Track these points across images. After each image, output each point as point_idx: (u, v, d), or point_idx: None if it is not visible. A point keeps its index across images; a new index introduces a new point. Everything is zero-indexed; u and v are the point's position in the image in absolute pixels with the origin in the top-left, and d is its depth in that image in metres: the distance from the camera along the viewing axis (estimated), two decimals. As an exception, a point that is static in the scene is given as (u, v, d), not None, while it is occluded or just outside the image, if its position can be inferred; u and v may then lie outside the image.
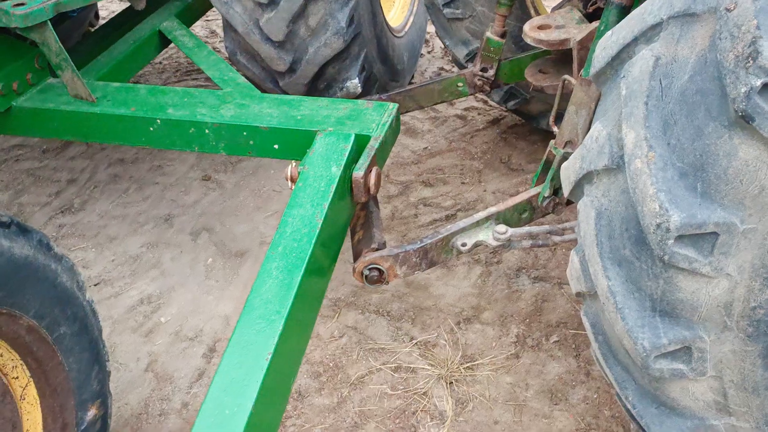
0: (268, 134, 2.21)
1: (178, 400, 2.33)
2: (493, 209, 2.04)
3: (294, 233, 1.71)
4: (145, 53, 3.03)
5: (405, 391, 2.31)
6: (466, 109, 3.91)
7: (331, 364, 2.43)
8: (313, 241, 1.69)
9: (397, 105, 2.25)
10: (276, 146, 2.22)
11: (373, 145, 2.03)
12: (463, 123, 3.80)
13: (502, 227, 1.98)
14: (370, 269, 1.97)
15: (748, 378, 1.26)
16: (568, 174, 1.36)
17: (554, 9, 2.44)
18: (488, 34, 2.70)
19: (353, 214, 2.08)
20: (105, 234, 3.13)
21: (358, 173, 1.93)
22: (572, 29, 2.17)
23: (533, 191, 2.09)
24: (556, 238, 1.98)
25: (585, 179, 1.32)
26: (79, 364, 1.71)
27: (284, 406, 1.60)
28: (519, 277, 2.73)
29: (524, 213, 2.08)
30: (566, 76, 2.01)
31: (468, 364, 2.38)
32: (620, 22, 1.27)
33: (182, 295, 2.77)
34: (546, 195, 2.05)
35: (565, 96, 2.01)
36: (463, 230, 2.02)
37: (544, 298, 2.62)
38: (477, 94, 3.93)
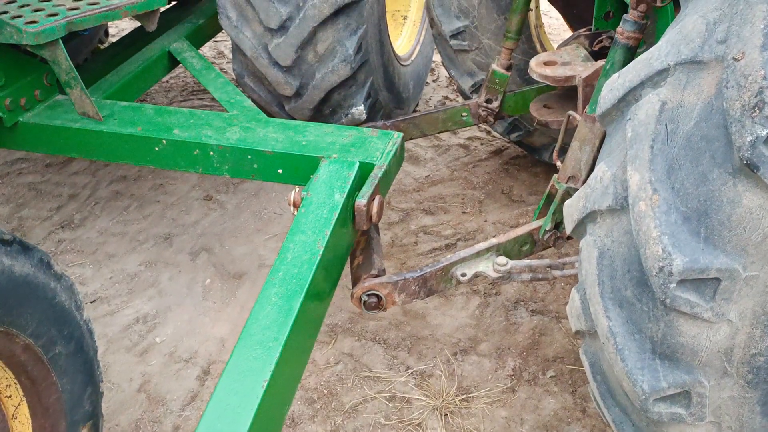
0: (272, 158, 2.22)
1: (170, 423, 2.30)
2: (494, 240, 2.05)
3: (295, 259, 1.70)
4: (153, 73, 3.05)
5: (399, 422, 2.28)
6: (469, 139, 3.93)
7: (325, 391, 2.41)
8: (314, 268, 1.68)
9: (402, 134, 2.26)
10: (280, 171, 2.23)
11: (377, 173, 2.04)
12: (465, 152, 3.81)
13: (502, 259, 1.98)
14: (368, 295, 1.97)
15: (746, 425, 1.25)
16: (572, 212, 1.37)
17: (560, 45, 2.47)
18: (494, 66, 2.73)
19: (354, 242, 2.08)
20: (104, 251, 3.12)
21: (361, 201, 1.93)
22: (578, 66, 2.19)
23: (535, 224, 2.09)
24: (556, 273, 1.98)
25: (588, 218, 1.32)
26: (73, 385, 1.69)
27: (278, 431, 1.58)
28: (517, 309, 2.72)
29: (525, 246, 2.08)
30: (571, 112, 2.03)
31: (463, 396, 2.36)
32: (627, 66, 1.29)
33: (178, 315, 2.75)
34: (547, 229, 2.05)
35: (569, 131, 2.03)
36: (463, 260, 2.02)
37: (542, 331, 2.61)
38: (480, 125, 3.97)
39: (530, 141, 3.31)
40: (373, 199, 1.97)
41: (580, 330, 1.42)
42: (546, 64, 2.25)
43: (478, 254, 2.02)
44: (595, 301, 1.28)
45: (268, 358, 1.45)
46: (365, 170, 2.07)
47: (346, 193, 1.92)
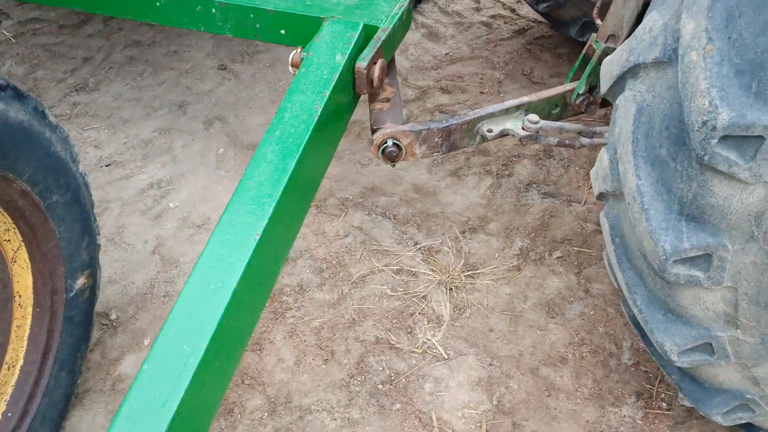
0: (274, 17, 2.15)
1: (183, 283, 2.35)
2: (525, 99, 1.95)
3: (292, 119, 1.69)
4: None
5: (405, 294, 2.33)
6: (492, 17, 3.77)
7: (334, 262, 2.45)
8: (311, 128, 1.67)
9: None
10: (282, 31, 2.17)
11: (380, 36, 1.97)
12: (488, 30, 3.67)
13: (534, 116, 1.88)
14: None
15: (763, 292, 1.26)
16: (611, 68, 1.31)
17: None
18: None
19: (355, 107, 2.03)
20: (118, 116, 3.08)
21: (362, 63, 1.87)
22: None
23: (569, 86, 1.99)
24: (585, 140, 1.90)
25: (629, 73, 1.27)
26: (70, 233, 1.72)
27: (270, 288, 1.61)
28: (529, 191, 2.71)
29: (556, 108, 1.99)
30: None
31: (469, 273, 2.40)
32: None
33: (192, 182, 2.76)
34: (581, 92, 1.95)
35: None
36: (490, 116, 1.94)
37: (552, 214, 2.62)
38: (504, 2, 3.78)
39: (559, 13, 3.12)
40: (375, 63, 1.91)
41: (604, 191, 1.41)
42: None
43: (506, 111, 1.93)
44: (626, 160, 1.26)
45: (261, 213, 1.47)
46: (369, 32, 2.00)
47: (348, 55, 1.86)
